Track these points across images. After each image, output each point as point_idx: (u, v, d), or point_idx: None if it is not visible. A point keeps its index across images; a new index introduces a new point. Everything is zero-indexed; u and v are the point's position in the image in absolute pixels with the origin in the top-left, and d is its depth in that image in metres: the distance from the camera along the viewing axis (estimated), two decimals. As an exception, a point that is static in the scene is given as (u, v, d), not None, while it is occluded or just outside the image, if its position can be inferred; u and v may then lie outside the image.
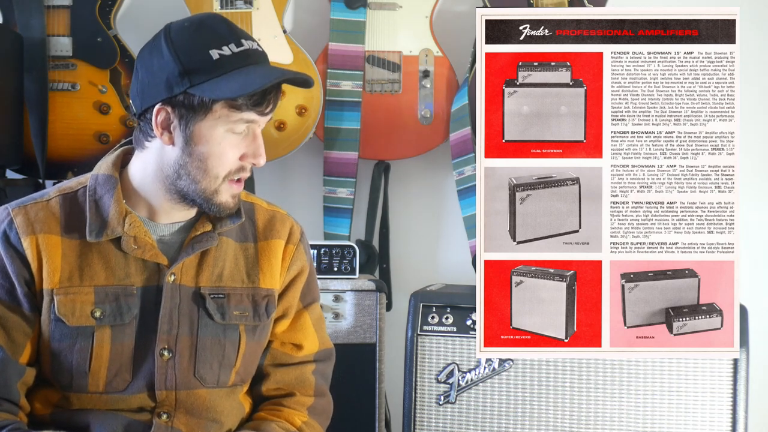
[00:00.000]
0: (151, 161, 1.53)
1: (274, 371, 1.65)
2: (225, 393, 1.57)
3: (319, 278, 2.25)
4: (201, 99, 1.46)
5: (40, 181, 2.44)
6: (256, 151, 1.53)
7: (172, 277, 1.54)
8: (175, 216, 1.58)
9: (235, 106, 1.47)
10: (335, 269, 2.32)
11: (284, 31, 2.52)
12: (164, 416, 1.52)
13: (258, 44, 1.52)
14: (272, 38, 2.50)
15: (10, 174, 2.49)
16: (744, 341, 1.98)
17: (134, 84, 1.53)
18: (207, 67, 1.45)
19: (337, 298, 2.26)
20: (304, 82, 1.53)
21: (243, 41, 1.49)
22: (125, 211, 1.53)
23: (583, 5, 2.50)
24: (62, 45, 2.46)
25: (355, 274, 2.32)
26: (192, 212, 1.59)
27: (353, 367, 2.21)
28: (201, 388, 1.54)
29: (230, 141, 1.50)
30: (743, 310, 2.00)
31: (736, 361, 1.99)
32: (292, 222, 1.69)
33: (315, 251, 2.32)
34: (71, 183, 1.60)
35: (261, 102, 1.48)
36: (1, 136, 2.33)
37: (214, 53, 1.46)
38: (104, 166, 1.58)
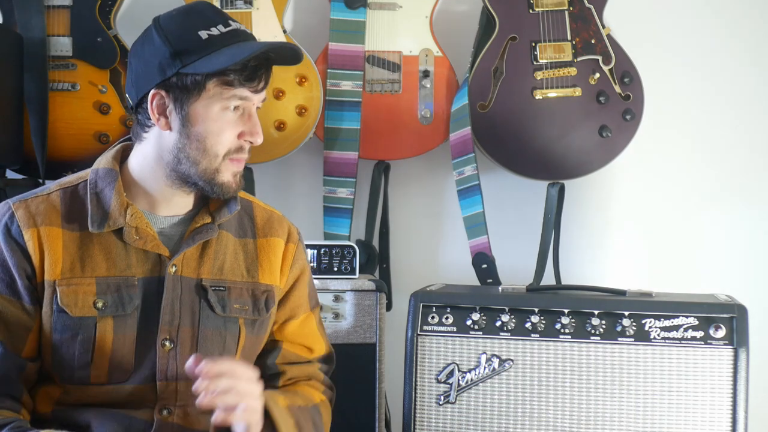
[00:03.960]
0: (150, 151, 1.56)
1: (288, 368, 1.69)
2: None
3: (319, 278, 2.27)
4: (194, 78, 1.48)
5: (40, 181, 2.44)
6: (252, 129, 1.55)
7: (174, 269, 1.55)
8: (176, 207, 1.60)
9: (228, 82, 1.49)
10: (335, 269, 2.32)
11: (284, 31, 2.52)
12: (165, 412, 1.52)
13: (245, 28, 1.55)
14: (272, 38, 2.50)
15: (10, 174, 2.49)
16: (744, 341, 1.98)
17: (129, 76, 1.57)
18: (197, 46, 1.48)
19: (337, 298, 2.26)
20: (292, 51, 1.55)
21: (230, 22, 1.52)
22: (126, 203, 1.55)
23: (583, 5, 2.50)
24: (62, 45, 2.46)
25: (355, 274, 2.32)
26: (190, 203, 1.61)
27: (353, 367, 2.21)
28: None
29: (226, 119, 1.52)
30: (743, 310, 2.00)
31: (736, 361, 1.99)
32: (289, 223, 1.73)
33: (315, 251, 2.32)
34: (71, 178, 1.62)
35: (252, 77, 1.51)
36: (1, 136, 2.33)
37: (203, 33, 1.49)
38: (104, 160, 1.61)
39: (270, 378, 1.67)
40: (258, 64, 1.51)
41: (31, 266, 1.51)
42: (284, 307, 1.68)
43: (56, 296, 1.50)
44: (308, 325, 1.71)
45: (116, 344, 1.51)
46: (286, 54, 1.56)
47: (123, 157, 1.61)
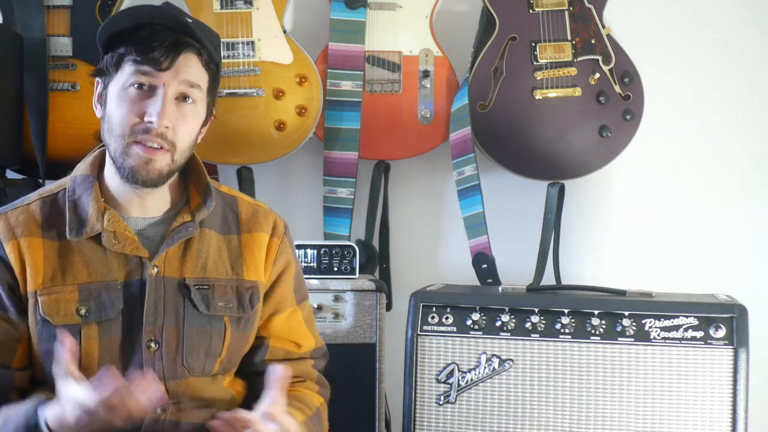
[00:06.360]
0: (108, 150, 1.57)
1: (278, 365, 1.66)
2: (210, 381, 1.59)
3: (319, 278, 2.27)
4: (105, 59, 1.51)
5: (40, 181, 2.44)
6: (152, 108, 1.49)
7: (155, 270, 1.55)
8: (152, 209, 1.59)
9: (134, 60, 1.48)
10: (335, 269, 2.32)
11: (284, 31, 2.51)
12: (158, 410, 1.53)
13: (190, 17, 1.53)
14: (272, 38, 2.50)
15: (10, 174, 2.49)
16: (744, 341, 1.98)
17: None
18: (117, 30, 1.50)
19: (337, 298, 2.26)
20: (171, 18, 1.50)
21: (163, 7, 1.51)
22: (104, 208, 1.54)
23: (583, 5, 2.50)
24: (62, 45, 2.46)
25: (355, 274, 2.32)
26: (167, 202, 1.60)
27: (353, 367, 2.21)
28: (189, 377, 1.56)
29: (127, 97, 1.50)
30: (743, 310, 2.00)
31: (736, 361, 1.99)
32: (275, 216, 1.70)
33: (315, 251, 2.31)
34: (51, 186, 1.62)
35: (149, 50, 1.48)
36: (1, 136, 2.33)
37: (127, 18, 1.51)
38: (82, 167, 1.61)
39: (260, 374, 1.66)
40: (159, 40, 1.48)
41: (14, 278, 1.51)
42: (268, 302, 1.67)
43: (38, 306, 1.50)
44: (294, 320, 1.69)
45: (102, 349, 1.51)
46: (170, 20, 1.50)
47: (102, 162, 1.61)
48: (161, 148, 1.50)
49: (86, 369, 1.50)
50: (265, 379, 1.64)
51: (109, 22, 1.51)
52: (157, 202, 1.59)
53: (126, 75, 1.50)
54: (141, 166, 1.50)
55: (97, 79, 1.56)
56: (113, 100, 1.51)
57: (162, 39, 1.48)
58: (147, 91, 1.49)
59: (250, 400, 1.68)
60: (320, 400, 1.69)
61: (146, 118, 1.48)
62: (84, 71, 2.46)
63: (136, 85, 1.49)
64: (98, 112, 1.55)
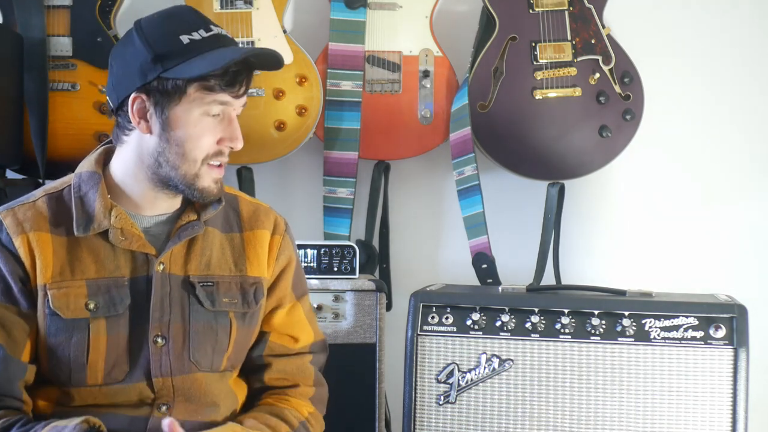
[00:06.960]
0: (131, 155, 1.57)
1: (274, 361, 1.69)
2: (217, 377, 1.60)
3: (319, 278, 2.27)
4: (174, 83, 1.49)
5: (40, 181, 2.44)
6: (232, 134, 1.55)
7: (161, 267, 1.57)
8: (160, 208, 1.61)
9: (209, 87, 1.50)
10: (335, 269, 2.32)
11: (284, 31, 2.51)
12: (163, 408, 1.54)
13: (227, 33, 1.56)
14: (272, 38, 2.50)
15: (10, 174, 2.49)
16: (744, 341, 1.98)
17: (109, 80, 1.57)
18: (178, 51, 1.48)
19: (337, 298, 2.26)
20: (273, 57, 1.56)
21: (212, 27, 1.52)
22: (110, 205, 1.56)
23: (583, 5, 2.50)
24: (62, 45, 2.46)
25: (355, 274, 2.32)
26: (177, 203, 1.63)
27: (353, 367, 2.21)
28: (196, 372, 1.57)
29: (206, 124, 1.53)
30: (743, 310, 2.00)
31: (736, 361, 1.99)
32: (276, 214, 1.73)
33: (315, 251, 2.32)
34: (56, 183, 1.63)
35: (233, 82, 1.51)
36: (1, 136, 2.33)
37: (185, 38, 1.49)
38: (87, 164, 1.62)
39: (256, 370, 1.69)
40: (238, 70, 1.52)
41: (24, 271, 1.52)
42: (270, 297, 1.69)
43: (48, 299, 1.52)
44: (295, 315, 1.72)
45: (110, 344, 1.53)
46: (267, 60, 1.57)
47: (106, 159, 1.62)
48: (221, 164, 1.57)
49: (93, 365, 1.52)
50: (260, 376, 1.66)
51: (187, 62, 1.49)
52: (170, 203, 1.62)
53: (205, 102, 1.51)
54: (213, 186, 1.56)
55: (139, 94, 1.51)
56: (187, 125, 1.51)
57: (240, 71, 1.52)
58: (219, 115, 1.54)
59: (247, 400, 1.70)
60: (309, 409, 1.68)
61: (229, 144, 1.55)
62: (84, 71, 2.46)
63: (214, 113, 1.53)
64: (143, 128, 1.52)
